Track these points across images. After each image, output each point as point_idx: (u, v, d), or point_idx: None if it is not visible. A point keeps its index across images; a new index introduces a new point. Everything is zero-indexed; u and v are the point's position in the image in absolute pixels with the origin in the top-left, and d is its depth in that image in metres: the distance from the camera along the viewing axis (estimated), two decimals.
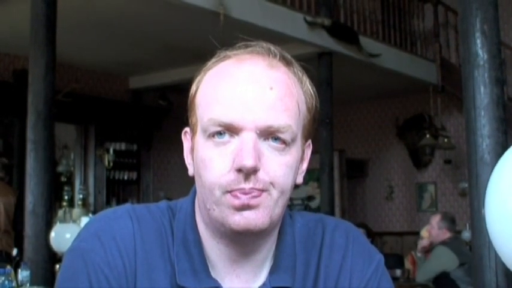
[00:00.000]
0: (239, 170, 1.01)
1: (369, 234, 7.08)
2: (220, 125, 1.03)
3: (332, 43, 7.82)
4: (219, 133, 1.03)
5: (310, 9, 7.72)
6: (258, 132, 1.02)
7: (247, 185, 1.01)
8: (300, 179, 1.12)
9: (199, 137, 1.07)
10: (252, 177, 1.01)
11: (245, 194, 1.02)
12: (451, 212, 7.32)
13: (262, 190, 1.02)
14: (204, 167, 1.05)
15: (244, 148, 1.01)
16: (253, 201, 1.02)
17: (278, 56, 1.10)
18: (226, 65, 1.09)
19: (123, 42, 7.77)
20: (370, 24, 8.84)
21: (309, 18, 7.51)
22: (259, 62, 1.07)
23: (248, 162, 1.00)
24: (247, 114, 1.02)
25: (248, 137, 1.02)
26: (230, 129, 1.03)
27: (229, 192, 1.02)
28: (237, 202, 1.02)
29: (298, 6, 7.53)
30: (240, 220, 1.03)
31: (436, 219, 5.78)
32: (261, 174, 1.02)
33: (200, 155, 1.06)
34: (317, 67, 7.61)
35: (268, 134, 1.03)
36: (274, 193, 1.04)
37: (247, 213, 1.02)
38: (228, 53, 1.11)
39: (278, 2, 7.19)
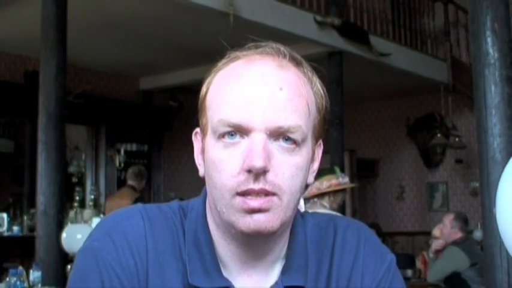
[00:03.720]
0: (249, 171, 1.01)
1: (379, 235, 7.06)
2: (229, 126, 1.03)
3: (342, 43, 7.81)
4: (229, 134, 1.03)
5: (320, 9, 7.72)
6: (267, 133, 1.02)
7: (256, 186, 1.01)
8: (310, 179, 1.12)
9: (210, 138, 1.07)
10: (262, 178, 1.01)
11: (255, 195, 1.02)
12: (463, 212, 7.28)
13: (273, 193, 1.02)
14: (215, 168, 1.05)
15: (253, 149, 1.01)
16: (264, 205, 1.02)
17: (288, 57, 1.10)
18: (236, 65, 1.09)
19: (133, 43, 7.79)
20: (380, 23, 8.82)
21: (319, 18, 7.50)
22: (269, 63, 1.07)
23: (258, 163, 1.00)
24: (257, 115, 1.02)
25: (258, 138, 1.02)
26: (240, 130, 1.03)
27: (239, 194, 1.02)
28: (246, 206, 1.02)
29: (308, 6, 7.53)
30: (251, 223, 1.03)
31: (449, 218, 5.76)
32: (270, 176, 1.02)
33: (210, 156, 1.06)
34: (327, 67, 7.60)
35: (278, 134, 1.03)
36: (284, 196, 1.04)
37: (257, 216, 1.02)
38: (238, 53, 1.10)
39: (288, 2, 7.19)
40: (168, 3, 6.30)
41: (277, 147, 1.03)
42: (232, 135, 1.03)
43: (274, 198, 1.03)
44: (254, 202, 1.02)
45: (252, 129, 1.02)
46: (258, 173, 1.01)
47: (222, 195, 1.04)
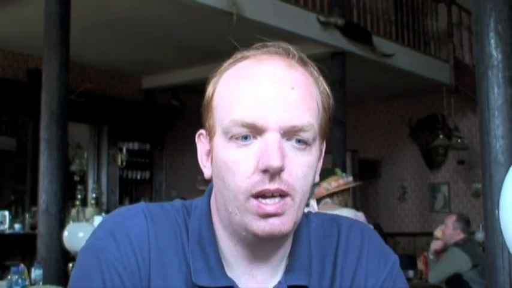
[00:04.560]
0: (264, 171, 1.01)
1: (380, 235, 7.03)
2: (243, 126, 1.02)
3: (345, 43, 7.81)
4: (243, 136, 1.02)
5: (323, 9, 7.72)
6: (281, 132, 1.02)
7: (272, 186, 1.01)
8: (317, 178, 1.11)
9: (219, 138, 1.06)
10: (277, 177, 1.01)
11: (270, 196, 1.01)
12: (465, 213, 7.28)
13: (286, 194, 1.02)
14: (227, 169, 1.04)
15: (269, 149, 1.00)
16: (280, 210, 1.02)
17: (296, 57, 1.10)
18: (244, 65, 1.08)
19: (136, 42, 7.80)
20: (383, 24, 8.82)
21: (322, 18, 7.50)
22: (278, 62, 1.07)
23: (275, 163, 0.99)
24: (271, 114, 1.01)
25: (272, 138, 1.01)
26: (253, 130, 1.02)
27: (254, 196, 1.02)
28: (262, 211, 1.02)
29: (311, 6, 7.53)
30: (265, 226, 1.02)
31: (451, 220, 5.76)
32: (285, 175, 1.01)
33: (221, 157, 1.05)
34: (330, 67, 7.60)
35: (292, 134, 1.03)
36: (297, 196, 1.04)
37: (272, 220, 1.02)
38: (246, 53, 1.10)
39: (291, 2, 7.18)
40: (171, 2, 6.30)
41: (290, 146, 1.03)
42: (245, 135, 1.02)
43: (288, 200, 1.03)
44: (270, 207, 1.01)
45: (266, 129, 1.02)
46: (274, 173, 1.00)
47: (236, 197, 1.03)
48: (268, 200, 1.02)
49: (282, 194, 1.02)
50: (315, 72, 1.11)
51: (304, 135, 1.03)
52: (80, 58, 7.93)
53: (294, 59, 1.09)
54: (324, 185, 4.77)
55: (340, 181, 4.84)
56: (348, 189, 4.95)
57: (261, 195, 1.01)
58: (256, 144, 1.02)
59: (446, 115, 10.13)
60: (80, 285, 1.08)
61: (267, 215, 1.02)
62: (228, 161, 1.04)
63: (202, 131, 1.13)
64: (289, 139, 1.03)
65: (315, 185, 1.12)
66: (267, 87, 1.03)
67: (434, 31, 9.79)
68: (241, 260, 1.10)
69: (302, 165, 1.04)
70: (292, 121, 1.02)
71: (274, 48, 1.10)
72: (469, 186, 10.39)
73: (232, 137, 1.03)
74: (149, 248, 1.08)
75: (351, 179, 5.07)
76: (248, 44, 1.11)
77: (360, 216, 4.91)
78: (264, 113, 1.01)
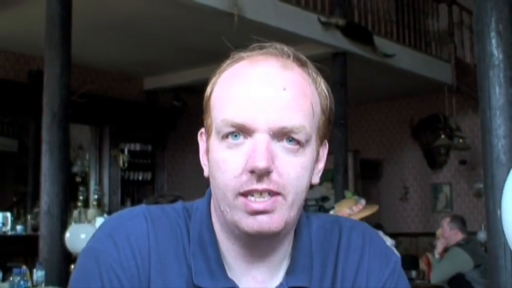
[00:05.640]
0: (252, 172, 1.01)
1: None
2: (232, 126, 1.02)
3: (346, 43, 7.81)
4: (233, 134, 1.03)
5: (324, 10, 7.71)
6: (271, 133, 1.02)
7: (259, 186, 1.01)
8: (316, 179, 1.11)
9: (214, 138, 1.07)
10: (265, 178, 1.01)
11: (259, 195, 1.01)
12: (466, 213, 7.30)
13: (277, 193, 1.02)
14: (218, 168, 1.05)
15: (256, 149, 1.01)
16: (268, 207, 1.02)
17: (292, 57, 1.09)
18: (240, 66, 1.09)
19: (137, 43, 7.80)
20: (384, 24, 8.81)
21: (323, 19, 7.50)
22: (272, 63, 1.07)
23: (261, 164, 1.00)
24: (260, 115, 1.02)
25: (261, 138, 1.01)
26: (243, 130, 1.02)
27: (242, 194, 1.02)
28: (249, 208, 1.02)
29: (312, 6, 7.52)
30: (254, 223, 1.02)
31: (446, 222, 5.82)
32: (274, 176, 1.01)
33: (214, 156, 1.06)
34: (331, 67, 7.59)
35: (282, 135, 1.03)
36: (289, 196, 1.03)
37: (261, 217, 1.02)
38: (242, 54, 1.10)
39: (292, 3, 7.18)
40: (172, 4, 6.30)
41: (281, 147, 1.03)
42: (235, 135, 1.03)
43: (279, 198, 1.02)
44: (258, 205, 1.01)
45: (256, 130, 1.02)
46: (261, 174, 1.00)
47: (225, 195, 1.04)
48: (256, 198, 1.02)
49: (272, 193, 1.02)
50: (313, 72, 1.11)
51: (295, 137, 1.03)
52: (82, 59, 7.92)
53: (289, 59, 1.09)
54: (346, 210, 4.81)
55: (359, 205, 4.85)
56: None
57: (248, 193, 1.02)
58: (247, 144, 1.03)
59: (447, 115, 10.12)
60: (79, 287, 1.08)
61: (254, 212, 1.02)
62: (219, 160, 1.04)
63: (203, 129, 1.14)
64: (280, 140, 1.03)
65: (312, 186, 1.11)
66: (259, 88, 1.03)
67: (435, 31, 9.79)
68: (240, 260, 1.10)
69: (294, 166, 1.04)
70: (282, 122, 1.02)
71: (270, 49, 1.10)
72: (471, 186, 10.38)
73: (224, 137, 1.04)
74: (149, 250, 1.08)
75: (363, 201, 5.10)
76: (248, 45, 1.12)
77: (381, 234, 4.96)
78: (254, 114, 1.02)
